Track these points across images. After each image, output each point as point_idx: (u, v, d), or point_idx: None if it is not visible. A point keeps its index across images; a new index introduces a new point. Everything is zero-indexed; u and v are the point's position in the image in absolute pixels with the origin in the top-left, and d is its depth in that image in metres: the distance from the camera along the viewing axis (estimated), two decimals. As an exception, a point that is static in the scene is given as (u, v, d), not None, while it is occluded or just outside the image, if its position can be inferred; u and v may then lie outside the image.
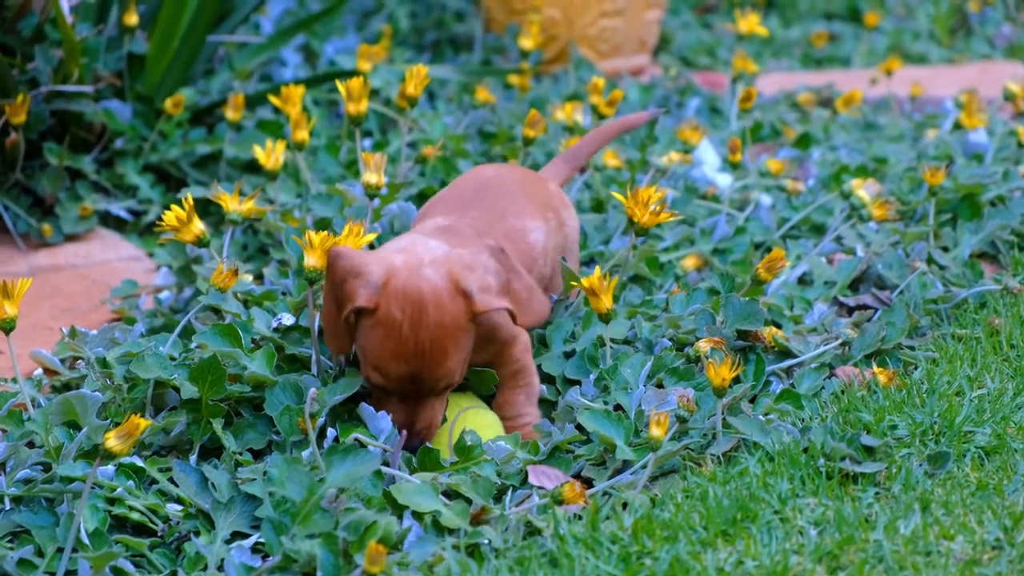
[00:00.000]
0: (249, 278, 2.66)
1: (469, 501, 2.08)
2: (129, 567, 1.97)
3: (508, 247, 2.38)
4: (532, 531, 2.04)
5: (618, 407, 2.36)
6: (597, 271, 2.41)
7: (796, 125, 4.22)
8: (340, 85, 2.92)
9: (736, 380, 2.36)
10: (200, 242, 2.53)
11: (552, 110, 3.84)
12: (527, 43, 4.47)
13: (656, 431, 2.11)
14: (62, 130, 3.45)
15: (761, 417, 2.29)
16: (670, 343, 2.53)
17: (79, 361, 2.61)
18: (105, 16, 3.67)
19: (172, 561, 2.03)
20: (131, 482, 2.12)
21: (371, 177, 2.68)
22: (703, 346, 2.44)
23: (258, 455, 2.27)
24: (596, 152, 2.98)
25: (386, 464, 2.15)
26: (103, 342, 2.61)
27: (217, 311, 2.57)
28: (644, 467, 2.15)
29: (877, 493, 2.12)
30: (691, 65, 5.36)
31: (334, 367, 2.36)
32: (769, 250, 3.02)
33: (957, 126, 3.93)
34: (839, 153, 3.85)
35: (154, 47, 3.61)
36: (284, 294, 2.68)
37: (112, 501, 2.08)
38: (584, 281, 2.40)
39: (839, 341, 2.55)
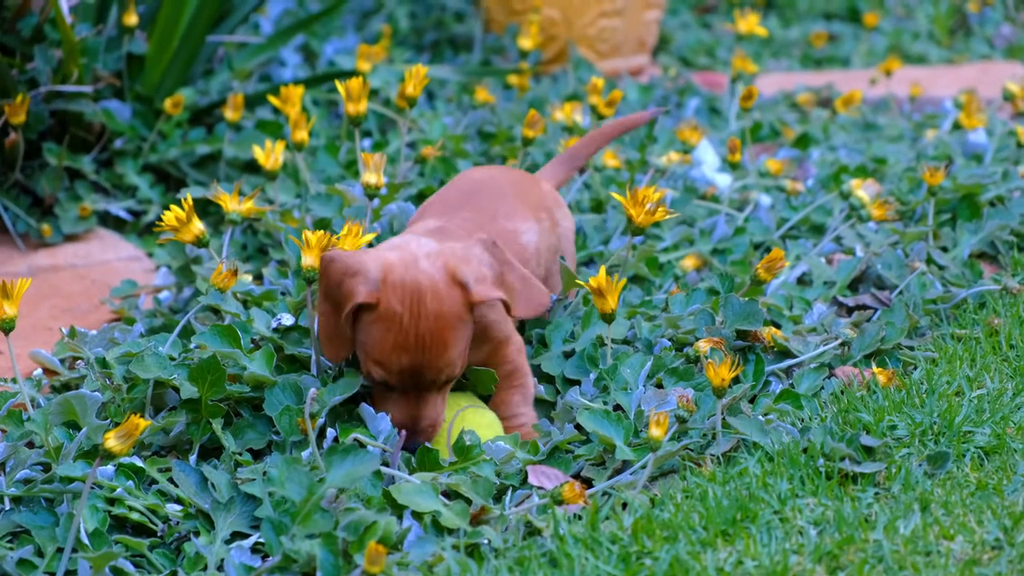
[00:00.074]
0: (248, 278, 2.66)
1: (469, 501, 2.08)
2: (129, 567, 1.97)
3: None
4: (532, 531, 2.04)
5: (618, 407, 2.36)
6: (603, 271, 2.42)
7: (795, 125, 4.22)
8: (339, 85, 2.92)
9: (735, 380, 2.36)
10: (199, 242, 2.53)
11: (551, 110, 3.84)
12: (526, 43, 4.47)
13: (656, 431, 2.11)
14: (61, 130, 3.44)
15: (760, 417, 2.29)
16: (669, 343, 2.53)
17: (79, 361, 2.61)
18: (104, 16, 3.67)
19: (172, 561, 2.03)
20: (131, 482, 2.12)
21: (370, 177, 2.68)
22: (703, 346, 2.44)
23: (258, 455, 2.27)
24: (594, 153, 2.98)
25: (386, 464, 2.15)
26: (103, 342, 2.61)
27: (217, 311, 2.57)
28: (644, 467, 2.15)
29: (877, 493, 2.12)
30: (690, 65, 5.36)
31: (333, 367, 2.36)
32: (768, 250, 3.03)
33: (956, 126, 3.93)
34: (838, 153, 3.85)
35: (153, 47, 3.61)
36: (283, 294, 2.68)
37: (112, 501, 2.08)
38: (592, 281, 2.41)
39: (838, 341, 2.55)
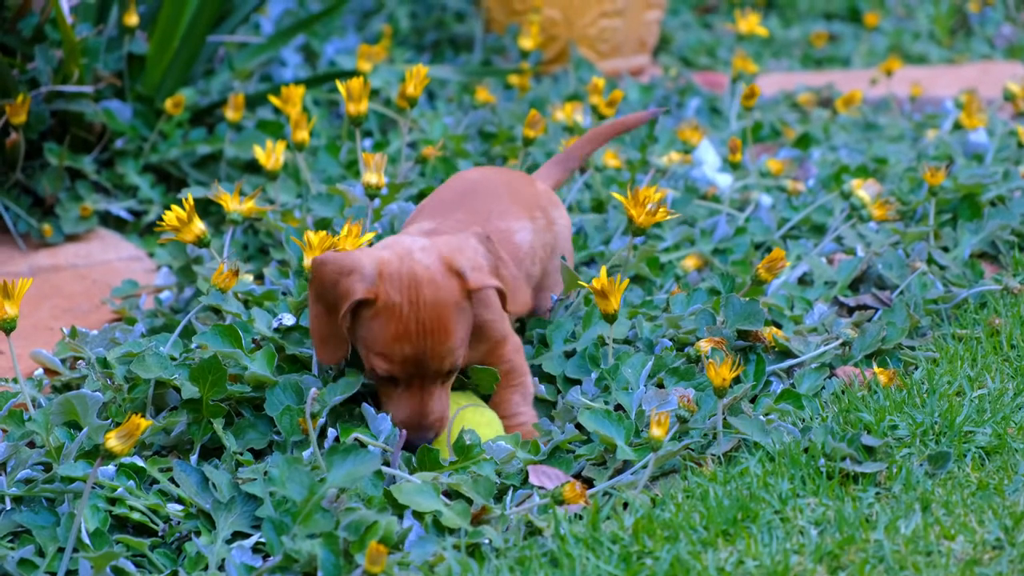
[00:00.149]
0: (249, 278, 2.66)
1: (470, 501, 2.08)
2: (130, 567, 1.97)
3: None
4: (533, 531, 2.04)
5: (619, 407, 2.36)
6: (603, 272, 2.42)
7: (796, 125, 4.22)
8: (340, 85, 2.92)
9: (736, 380, 2.36)
10: (200, 242, 2.53)
11: (552, 110, 3.84)
12: (527, 43, 4.47)
13: (657, 431, 2.11)
14: (62, 130, 3.45)
15: (762, 417, 2.29)
16: (670, 343, 2.53)
17: (80, 361, 2.61)
18: (105, 16, 3.67)
19: (173, 561, 2.03)
20: (132, 482, 2.12)
21: (371, 177, 2.68)
22: (704, 346, 2.44)
23: (259, 455, 2.27)
24: (591, 153, 2.99)
25: (386, 464, 2.15)
26: (104, 342, 2.61)
27: (218, 311, 2.57)
28: (645, 467, 2.15)
29: (878, 493, 2.12)
30: (691, 65, 5.36)
31: (333, 367, 2.35)
32: (769, 250, 3.02)
33: (957, 126, 3.93)
34: (839, 153, 3.85)
35: (154, 47, 3.61)
36: (284, 294, 2.68)
37: (113, 501, 2.08)
38: (595, 282, 2.41)
39: (839, 341, 2.55)
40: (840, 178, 3.50)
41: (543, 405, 2.45)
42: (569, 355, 2.53)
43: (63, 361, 2.63)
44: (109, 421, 2.28)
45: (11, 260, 3.25)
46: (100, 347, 2.58)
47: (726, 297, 2.52)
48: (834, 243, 3.09)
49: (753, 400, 2.41)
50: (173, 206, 2.53)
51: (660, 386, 2.41)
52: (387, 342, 2.17)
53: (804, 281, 2.96)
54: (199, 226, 2.52)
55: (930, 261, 2.99)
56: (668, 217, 2.55)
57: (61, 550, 1.99)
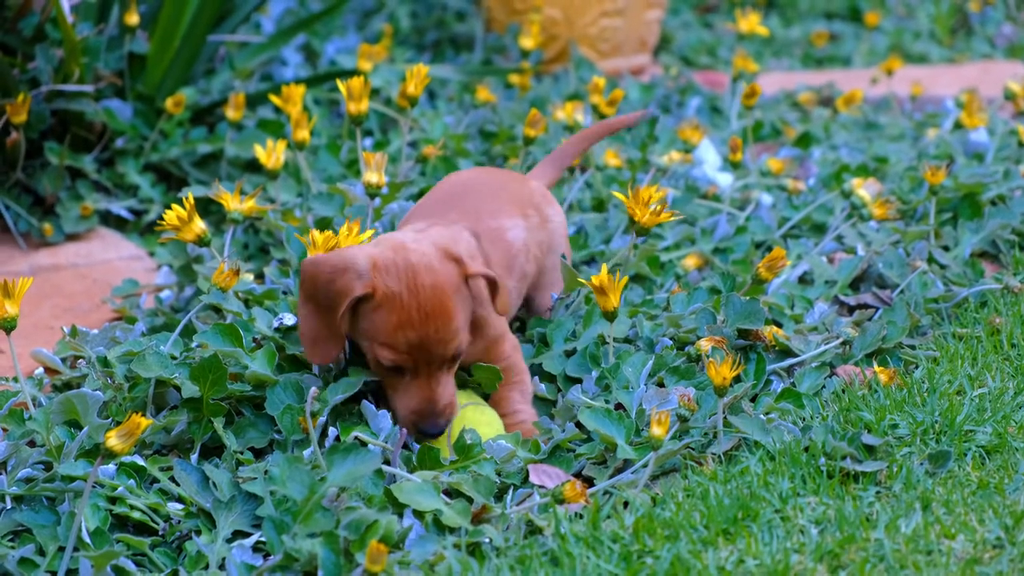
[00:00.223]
0: (250, 277, 2.66)
1: (470, 500, 2.08)
2: (130, 566, 1.97)
3: (486, 246, 2.40)
4: (533, 530, 2.04)
5: (619, 406, 2.36)
6: (604, 269, 2.42)
7: (797, 124, 4.22)
8: (341, 84, 2.92)
9: (737, 379, 2.36)
10: (201, 241, 2.53)
11: (553, 110, 3.83)
12: (528, 43, 4.47)
13: (657, 430, 2.11)
14: (63, 129, 3.44)
15: (762, 416, 2.29)
16: (671, 342, 2.53)
17: (80, 360, 2.61)
18: (106, 15, 3.67)
19: (173, 560, 2.03)
20: (132, 481, 2.12)
21: (372, 176, 2.68)
22: (704, 345, 2.44)
23: (259, 454, 2.27)
24: (582, 153, 3.00)
25: (387, 463, 2.15)
26: (104, 341, 2.61)
27: (218, 310, 2.57)
28: (645, 466, 2.15)
29: (878, 492, 2.12)
30: (692, 65, 5.36)
31: (334, 367, 2.35)
32: (770, 249, 3.02)
33: (958, 125, 3.93)
34: (840, 152, 3.85)
35: (155, 46, 3.61)
36: (285, 293, 2.68)
37: (113, 500, 2.08)
38: (594, 279, 2.41)
39: (840, 340, 2.55)
40: (841, 177, 3.50)
41: (543, 404, 2.45)
42: (570, 354, 2.53)
43: (63, 360, 2.63)
44: (109, 420, 2.28)
45: (12, 259, 3.25)
46: (100, 346, 2.58)
47: (727, 296, 2.52)
48: (835, 242, 3.09)
49: (753, 399, 2.41)
50: (174, 205, 2.53)
51: (661, 385, 2.41)
52: (390, 331, 2.17)
53: (804, 280, 2.96)
54: (199, 225, 2.52)
55: (931, 260, 2.99)
56: (671, 218, 2.55)
57: (61, 549, 1.99)
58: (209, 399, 2.24)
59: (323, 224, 2.92)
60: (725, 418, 2.27)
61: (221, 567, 2.00)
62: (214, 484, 2.12)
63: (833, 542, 1.97)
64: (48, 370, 2.60)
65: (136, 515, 2.08)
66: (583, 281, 2.51)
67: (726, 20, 5.88)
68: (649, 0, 5.02)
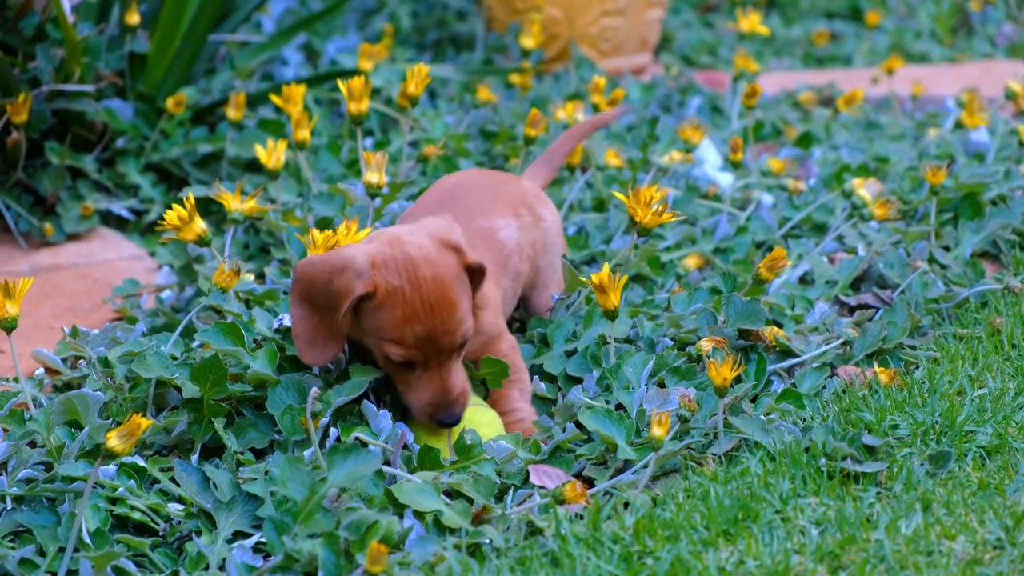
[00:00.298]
0: (251, 277, 2.66)
1: (470, 500, 2.08)
2: (131, 567, 1.97)
3: (479, 246, 2.40)
4: (533, 531, 2.04)
5: (620, 406, 2.36)
6: (606, 268, 2.42)
7: (797, 124, 4.22)
8: (341, 84, 2.92)
9: (737, 380, 2.36)
10: (201, 241, 2.53)
11: (553, 109, 3.83)
12: (528, 42, 4.47)
13: (657, 431, 2.11)
14: (64, 129, 3.45)
15: (762, 417, 2.29)
16: (672, 342, 2.53)
17: (81, 360, 2.61)
18: (106, 15, 3.67)
19: (174, 561, 2.03)
20: (132, 482, 2.12)
21: (372, 176, 2.68)
22: (705, 345, 2.44)
23: (260, 455, 2.27)
24: (570, 152, 3.00)
25: (387, 463, 2.15)
26: (105, 341, 2.61)
27: (219, 311, 2.57)
28: (645, 467, 2.15)
29: (878, 493, 2.12)
30: (692, 64, 5.36)
31: (334, 368, 2.35)
32: (770, 249, 3.02)
33: (958, 125, 3.92)
34: (840, 152, 3.85)
35: (155, 46, 3.61)
36: (286, 293, 2.68)
37: (114, 501, 2.08)
38: (594, 277, 2.41)
39: (840, 340, 2.55)
40: (841, 177, 3.50)
41: (543, 403, 2.45)
42: (570, 354, 2.53)
43: (64, 360, 2.63)
44: (110, 420, 2.28)
45: (12, 259, 3.25)
46: (101, 346, 2.58)
47: (727, 296, 2.52)
48: (835, 242, 3.09)
49: (754, 400, 2.41)
50: (174, 205, 2.53)
51: (661, 385, 2.41)
52: (397, 327, 2.17)
53: (805, 280, 2.96)
54: (200, 225, 2.52)
55: (931, 260, 2.99)
56: (672, 219, 2.55)
57: (62, 550, 1.99)
58: (210, 399, 2.24)
59: (324, 224, 2.92)
60: (726, 419, 2.27)
61: (221, 568, 2.00)
62: (214, 485, 2.12)
63: (833, 543, 1.97)
64: (49, 370, 2.60)
65: (136, 516, 2.08)
66: (584, 280, 2.51)
67: (727, 19, 5.88)
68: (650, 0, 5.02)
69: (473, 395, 2.35)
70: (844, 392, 2.41)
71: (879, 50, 5.54)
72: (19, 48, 3.36)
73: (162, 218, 2.56)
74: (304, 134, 3.06)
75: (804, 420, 2.33)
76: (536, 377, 2.50)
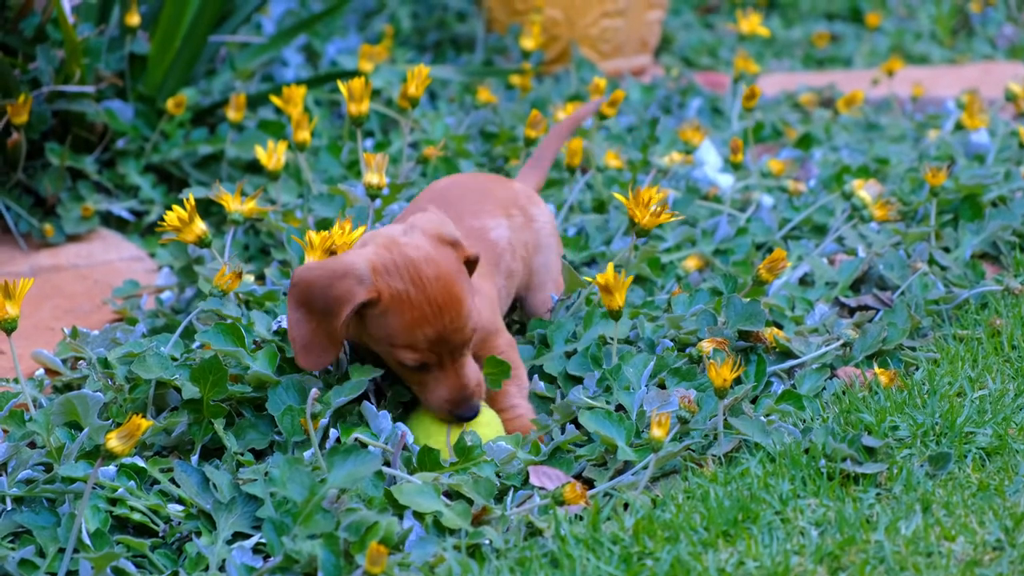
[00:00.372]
0: (251, 279, 2.66)
1: (470, 501, 2.08)
2: (130, 567, 1.97)
3: (471, 244, 2.41)
4: (533, 532, 2.04)
5: (620, 407, 2.36)
6: (610, 268, 2.42)
7: (797, 125, 4.22)
8: (342, 85, 2.92)
9: (737, 381, 2.36)
10: (201, 242, 2.53)
11: (554, 110, 3.84)
12: (529, 43, 4.47)
13: (657, 432, 2.11)
14: (64, 130, 3.45)
15: (762, 418, 2.29)
16: (672, 343, 2.53)
17: (81, 361, 2.61)
18: (107, 16, 3.67)
19: (173, 562, 2.03)
20: (132, 482, 2.12)
21: (373, 177, 2.68)
22: (706, 346, 2.44)
23: (260, 455, 2.27)
24: (558, 151, 3.01)
25: (387, 464, 2.15)
26: (105, 342, 2.61)
27: (219, 312, 2.57)
28: (645, 468, 2.15)
29: (878, 494, 2.12)
30: (693, 65, 5.36)
31: (334, 369, 2.35)
32: (770, 251, 3.03)
33: (959, 127, 3.93)
34: (841, 153, 3.85)
35: (156, 47, 3.61)
36: (285, 294, 2.68)
37: (113, 501, 2.08)
38: (600, 278, 2.41)
39: (840, 342, 2.55)
40: (841, 178, 3.50)
41: (542, 402, 2.45)
42: (570, 355, 2.53)
43: (64, 361, 2.63)
44: (110, 421, 2.28)
45: (12, 260, 3.25)
46: (101, 347, 2.58)
47: (727, 298, 2.52)
48: (835, 244, 3.09)
49: (754, 401, 2.41)
50: (174, 206, 2.53)
51: (662, 386, 2.41)
52: (407, 332, 2.16)
53: (805, 282, 2.96)
54: (200, 226, 2.52)
55: (931, 262, 2.99)
56: (671, 219, 2.55)
57: (62, 550, 1.99)
58: (209, 400, 2.24)
59: (324, 225, 2.92)
60: (725, 420, 2.27)
61: (221, 568, 2.00)
62: (214, 485, 2.12)
63: (833, 544, 1.97)
64: (49, 371, 2.60)
65: (136, 516, 2.08)
66: (588, 279, 2.51)
67: (727, 21, 5.88)
68: (650, 1, 5.02)
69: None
70: (844, 393, 2.41)
71: (879, 51, 5.54)
72: (19, 49, 3.36)
73: (162, 219, 2.56)
74: (304, 135, 3.06)
75: (804, 421, 2.33)
76: (536, 376, 2.50)
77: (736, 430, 2.25)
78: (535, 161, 2.95)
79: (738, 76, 4.09)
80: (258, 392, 2.29)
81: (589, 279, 2.51)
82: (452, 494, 2.11)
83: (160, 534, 2.09)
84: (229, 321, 2.48)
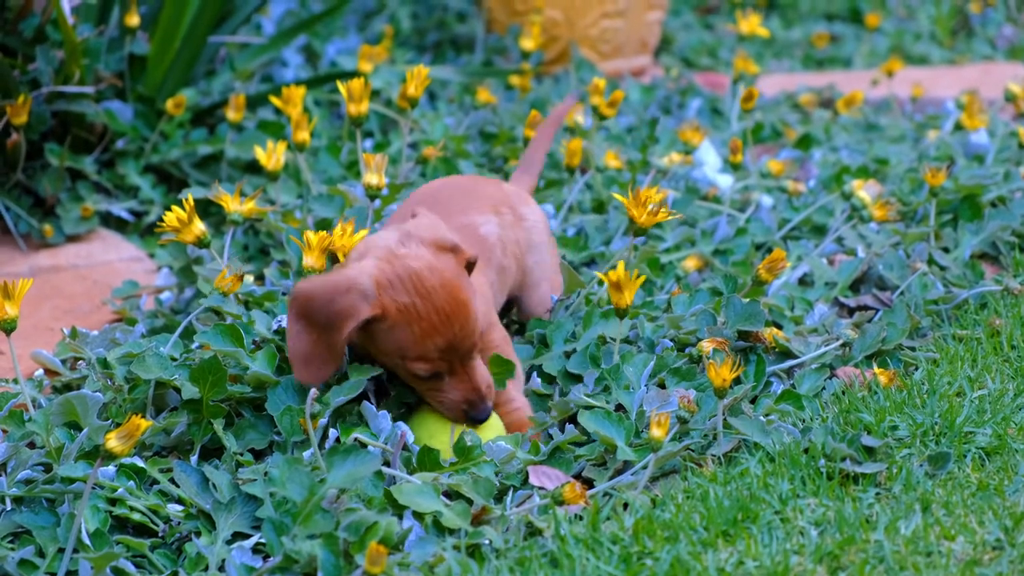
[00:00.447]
0: (250, 279, 2.66)
1: (470, 501, 2.08)
2: (130, 567, 1.97)
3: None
4: (533, 531, 2.04)
5: (619, 407, 2.36)
6: (621, 265, 2.42)
7: (797, 126, 4.22)
8: (341, 86, 2.92)
9: (737, 381, 2.36)
10: (201, 243, 2.53)
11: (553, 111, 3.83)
12: (528, 44, 4.48)
13: (657, 432, 2.11)
14: (63, 131, 3.45)
15: (762, 418, 2.29)
16: (672, 343, 2.53)
17: (80, 362, 2.61)
18: (106, 17, 3.67)
19: (173, 562, 2.03)
20: (132, 483, 2.12)
21: (372, 178, 2.68)
22: (706, 346, 2.44)
23: (259, 455, 2.27)
24: (546, 152, 3.01)
25: (387, 464, 2.15)
26: (104, 343, 2.61)
27: (218, 312, 2.57)
28: (645, 468, 2.15)
29: (878, 494, 2.12)
30: (692, 66, 5.36)
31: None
32: (770, 251, 3.03)
33: (958, 127, 3.93)
34: (840, 154, 3.85)
35: (155, 48, 3.61)
36: (284, 294, 2.68)
37: (113, 502, 2.08)
38: (611, 275, 2.41)
39: (840, 342, 2.55)
40: (841, 179, 3.50)
41: (539, 400, 2.46)
42: (569, 355, 2.53)
43: (63, 362, 2.63)
44: (109, 422, 2.28)
45: (12, 260, 3.25)
46: (100, 348, 2.58)
47: (727, 298, 2.52)
48: (835, 244, 3.09)
49: (753, 401, 2.41)
50: (173, 207, 2.53)
51: (662, 386, 2.41)
52: (418, 344, 2.16)
53: (805, 282, 2.96)
54: (199, 227, 2.52)
55: (931, 262, 2.99)
56: (669, 217, 2.55)
57: (61, 551, 1.99)
58: (209, 400, 2.24)
59: (323, 225, 2.92)
60: (725, 420, 2.27)
61: (221, 568, 2.00)
62: (214, 486, 2.12)
63: (833, 544, 1.97)
64: (48, 371, 2.60)
65: (136, 516, 2.08)
66: (600, 275, 2.51)
67: (727, 21, 5.88)
68: (650, 1, 5.02)
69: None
70: (843, 393, 2.41)
71: (879, 52, 5.54)
72: (19, 50, 3.36)
73: (161, 220, 2.56)
74: (304, 136, 3.06)
75: (803, 421, 2.33)
76: (534, 373, 2.50)
77: (736, 430, 2.25)
78: (525, 166, 2.96)
79: (738, 77, 4.09)
80: (257, 392, 2.29)
81: (600, 275, 2.50)
82: (452, 494, 2.11)
83: (160, 534, 2.09)
84: (229, 320, 2.48)
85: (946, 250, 3.10)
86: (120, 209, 3.44)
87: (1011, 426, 2.29)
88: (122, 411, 2.32)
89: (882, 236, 3.09)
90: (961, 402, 2.37)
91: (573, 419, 2.35)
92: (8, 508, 2.08)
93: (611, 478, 2.19)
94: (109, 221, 3.48)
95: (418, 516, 2.03)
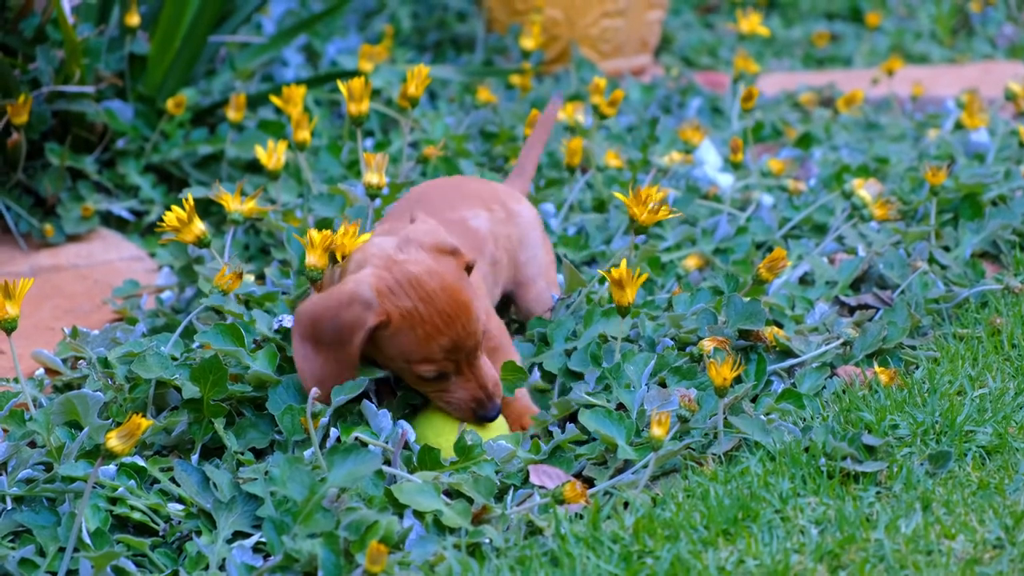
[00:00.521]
0: (251, 278, 2.66)
1: (470, 500, 2.08)
2: (130, 567, 1.97)
3: (453, 235, 2.41)
4: (533, 530, 2.04)
5: (620, 406, 2.36)
6: (624, 262, 2.42)
7: (797, 125, 4.22)
8: (342, 85, 2.92)
9: (738, 380, 2.36)
10: (201, 242, 2.53)
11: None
12: (529, 43, 4.47)
13: (657, 431, 2.11)
14: (64, 130, 3.45)
15: (762, 416, 2.29)
16: (672, 342, 2.53)
17: (81, 361, 2.61)
18: (106, 16, 3.67)
19: (174, 561, 2.03)
20: (132, 482, 2.12)
21: (372, 177, 2.68)
22: (707, 345, 2.44)
23: (260, 455, 2.27)
24: (538, 156, 3.01)
25: (387, 463, 2.15)
26: (105, 342, 2.61)
27: (219, 312, 2.57)
28: (645, 466, 2.15)
29: (878, 492, 2.12)
30: (693, 65, 5.36)
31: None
32: (771, 250, 3.02)
33: (958, 126, 3.93)
34: (840, 153, 3.85)
35: (156, 47, 3.61)
36: (285, 294, 2.68)
37: (114, 501, 2.08)
38: (613, 272, 2.41)
39: (840, 341, 2.55)
40: (841, 178, 3.50)
41: (541, 396, 2.46)
42: (570, 353, 2.53)
43: (64, 361, 2.63)
44: (110, 421, 2.28)
45: (12, 260, 3.25)
46: (101, 347, 2.58)
47: (728, 297, 2.52)
48: (835, 243, 3.09)
49: (754, 399, 2.41)
50: (174, 206, 2.53)
51: (663, 385, 2.41)
52: (423, 347, 2.17)
53: (805, 281, 2.96)
54: (199, 226, 2.52)
55: (931, 260, 2.99)
56: (670, 216, 2.56)
57: (62, 550, 1.99)
58: (209, 400, 2.24)
59: (324, 225, 2.92)
60: (726, 418, 2.27)
61: (221, 568, 2.00)
62: (214, 485, 2.12)
63: (833, 542, 1.97)
64: (49, 371, 2.60)
65: (136, 516, 2.08)
66: (602, 272, 2.51)
67: (727, 20, 5.88)
68: (650, 1, 5.02)
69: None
70: (844, 392, 2.41)
71: (879, 51, 5.54)
72: (19, 49, 3.36)
73: (162, 219, 2.56)
74: (304, 135, 3.06)
75: (804, 420, 2.33)
76: (535, 368, 2.51)
77: (736, 429, 2.25)
78: (519, 170, 2.97)
79: (738, 76, 4.09)
80: (258, 391, 2.30)
81: (602, 272, 2.50)
82: (452, 493, 2.11)
83: (160, 533, 2.09)
84: (230, 320, 2.48)
85: (947, 249, 3.10)
86: (121, 209, 3.44)
87: (1012, 425, 2.29)
88: (123, 410, 2.32)
89: (883, 235, 3.09)
90: (962, 401, 2.37)
91: (574, 418, 2.35)
92: (9, 507, 2.08)
93: (612, 477, 2.19)
94: (110, 221, 3.48)
95: (419, 515, 2.03)
